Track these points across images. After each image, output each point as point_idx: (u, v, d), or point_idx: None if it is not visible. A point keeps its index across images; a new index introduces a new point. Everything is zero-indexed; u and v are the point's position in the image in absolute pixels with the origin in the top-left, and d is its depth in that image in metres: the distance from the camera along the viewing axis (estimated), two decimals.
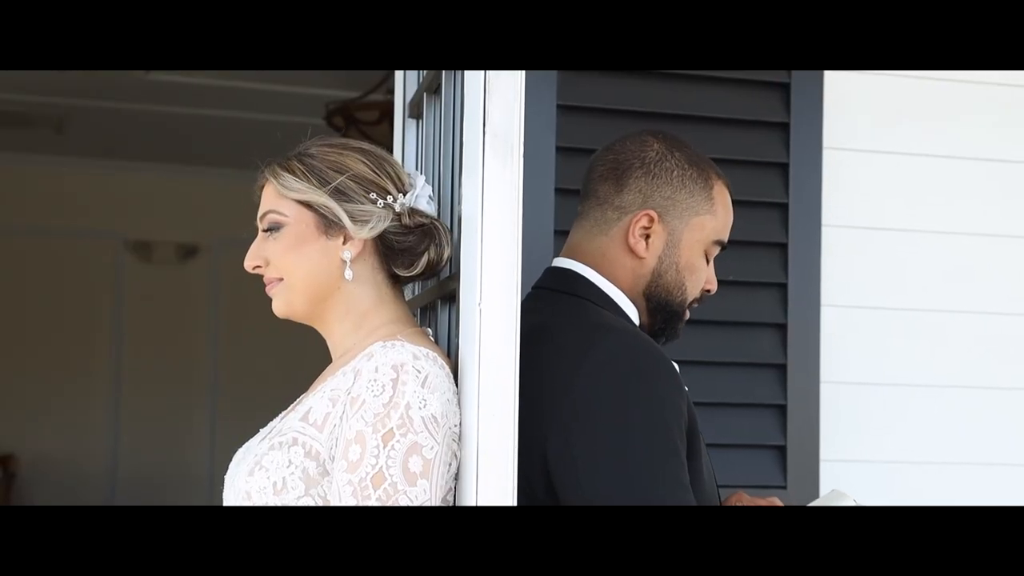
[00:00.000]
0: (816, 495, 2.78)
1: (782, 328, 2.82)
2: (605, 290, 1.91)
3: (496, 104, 1.62)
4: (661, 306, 1.93)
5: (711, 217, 1.94)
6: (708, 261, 1.97)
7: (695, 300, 1.97)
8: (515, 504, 1.60)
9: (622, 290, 1.92)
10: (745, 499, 2.05)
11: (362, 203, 1.74)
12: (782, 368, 2.81)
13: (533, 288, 1.96)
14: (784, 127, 2.83)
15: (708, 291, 1.99)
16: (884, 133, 2.95)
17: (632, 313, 1.92)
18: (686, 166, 1.93)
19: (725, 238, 1.98)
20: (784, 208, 2.82)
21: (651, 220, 1.90)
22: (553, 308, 1.88)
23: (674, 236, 1.92)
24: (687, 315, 1.96)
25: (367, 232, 1.74)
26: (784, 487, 2.78)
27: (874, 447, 2.90)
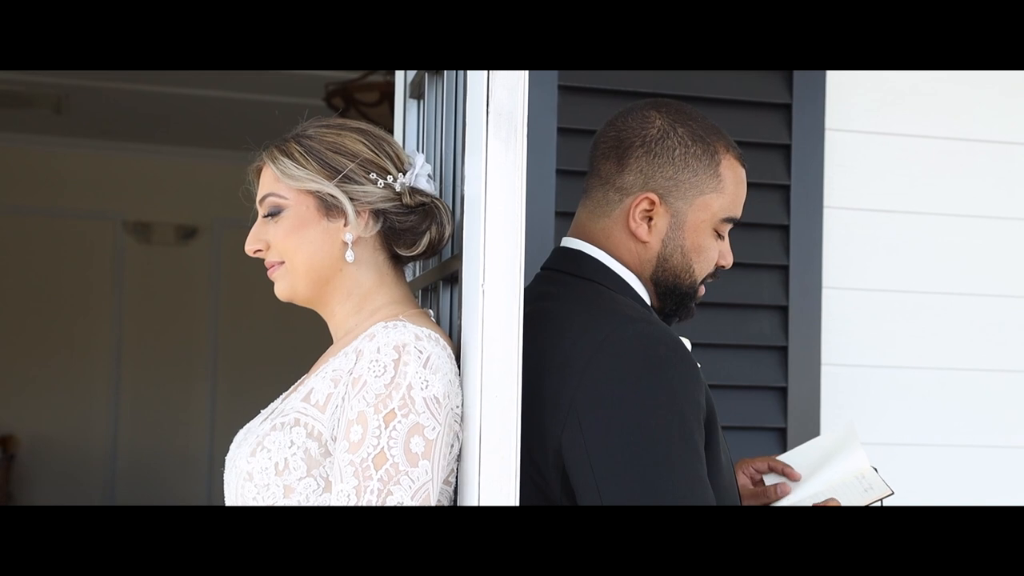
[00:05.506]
0: None
1: (783, 310, 2.82)
2: (619, 273, 1.84)
3: (500, 83, 1.60)
4: (670, 290, 1.85)
5: (718, 195, 1.84)
6: (721, 237, 1.87)
7: (709, 276, 1.89)
8: (517, 486, 1.59)
9: (632, 272, 1.84)
10: (745, 462, 2.05)
11: (362, 184, 1.73)
12: (783, 350, 2.81)
13: (543, 269, 1.91)
14: (786, 108, 2.83)
15: (723, 267, 1.90)
16: (886, 115, 2.94)
17: (646, 295, 1.85)
18: (689, 143, 1.83)
19: (736, 214, 1.87)
20: (786, 190, 2.82)
21: (652, 203, 1.82)
22: (568, 294, 1.81)
23: (678, 218, 1.83)
24: (702, 292, 1.88)
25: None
26: None
27: (874, 429, 2.90)
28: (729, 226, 1.88)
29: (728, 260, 1.90)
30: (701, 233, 1.85)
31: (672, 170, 1.83)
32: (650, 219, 1.83)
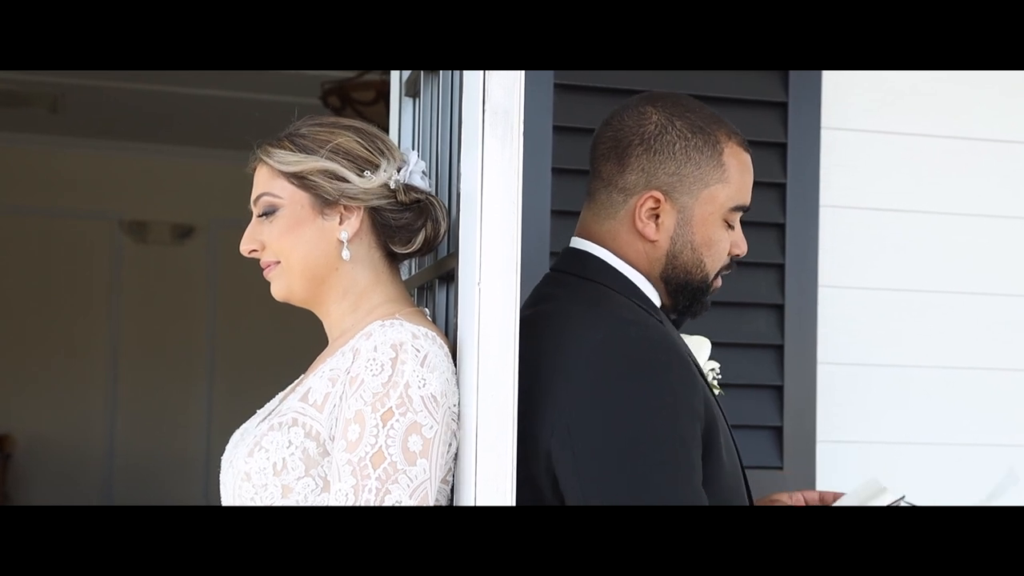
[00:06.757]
0: (812, 476, 2.78)
1: (779, 308, 2.82)
2: (626, 274, 1.80)
3: (497, 81, 1.60)
4: (681, 287, 1.81)
5: (723, 185, 1.79)
6: (731, 227, 1.82)
7: (724, 268, 1.84)
8: (513, 485, 1.59)
9: (640, 272, 1.80)
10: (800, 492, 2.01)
11: (356, 180, 1.73)
12: (779, 349, 2.81)
13: (551, 270, 1.88)
14: (783, 107, 2.83)
15: (737, 256, 1.85)
16: (883, 113, 2.94)
17: (655, 295, 1.82)
18: (689, 135, 1.79)
19: (745, 201, 1.82)
20: (782, 188, 2.82)
21: (657, 201, 1.77)
22: (569, 295, 1.78)
23: (685, 213, 1.78)
24: (718, 285, 1.84)
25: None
26: (780, 468, 2.77)
27: (871, 428, 2.90)
28: (739, 215, 1.83)
29: (742, 249, 1.85)
30: (710, 226, 1.80)
31: (674, 165, 1.78)
32: (657, 217, 1.79)
